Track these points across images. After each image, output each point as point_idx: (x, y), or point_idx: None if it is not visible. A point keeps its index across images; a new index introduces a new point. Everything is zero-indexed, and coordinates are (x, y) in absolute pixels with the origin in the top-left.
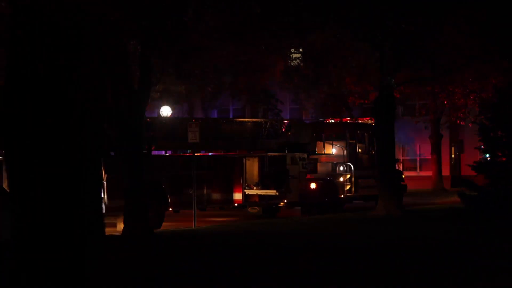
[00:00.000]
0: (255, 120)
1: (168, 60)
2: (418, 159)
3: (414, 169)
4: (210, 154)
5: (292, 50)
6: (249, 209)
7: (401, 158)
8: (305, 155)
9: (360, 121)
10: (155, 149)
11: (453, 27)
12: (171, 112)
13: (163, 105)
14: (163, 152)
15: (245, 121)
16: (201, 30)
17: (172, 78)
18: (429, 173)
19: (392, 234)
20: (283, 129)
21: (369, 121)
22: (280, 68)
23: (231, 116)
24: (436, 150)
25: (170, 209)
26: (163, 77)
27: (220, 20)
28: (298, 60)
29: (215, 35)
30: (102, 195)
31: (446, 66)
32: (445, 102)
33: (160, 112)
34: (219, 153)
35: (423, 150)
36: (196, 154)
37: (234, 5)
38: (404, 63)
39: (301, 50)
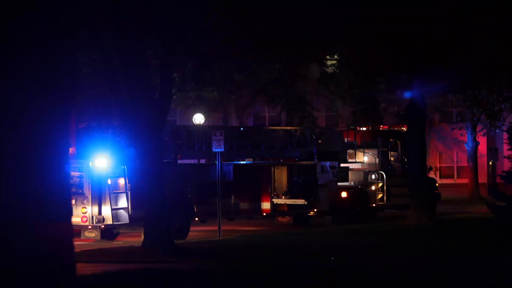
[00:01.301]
0: (284, 128)
1: (187, 67)
2: (455, 166)
3: (451, 176)
4: (238, 162)
5: (328, 57)
6: (279, 219)
7: (438, 165)
8: (336, 164)
9: (392, 129)
10: (183, 158)
11: (482, 34)
12: (203, 119)
13: (198, 112)
14: (195, 161)
15: (275, 129)
16: (224, 36)
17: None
18: (466, 181)
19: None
20: (314, 137)
21: (402, 129)
22: (316, 75)
23: (267, 124)
24: (473, 157)
25: (196, 219)
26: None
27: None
28: (333, 67)
29: (239, 41)
30: (126, 205)
31: (475, 74)
32: (480, 110)
33: (193, 120)
34: (247, 162)
35: (460, 157)
36: (222, 162)
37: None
38: (434, 71)
39: (336, 57)
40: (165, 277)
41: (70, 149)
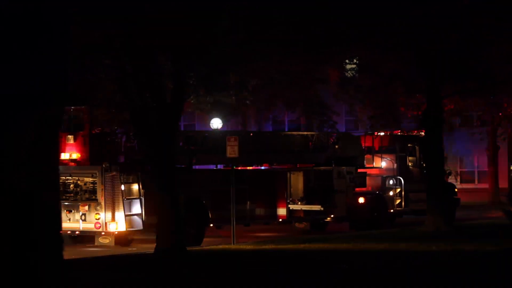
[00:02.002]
0: (301, 133)
1: (199, 73)
2: (475, 171)
3: (472, 181)
4: (253, 168)
5: (346, 61)
6: (296, 224)
7: (458, 170)
8: (353, 169)
9: (411, 133)
10: (197, 163)
11: (502, 38)
12: (221, 124)
13: (216, 117)
14: (212, 166)
15: (291, 134)
16: (236, 41)
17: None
18: (486, 186)
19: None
20: (331, 142)
21: (421, 133)
22: (335, 79)
23: (286, 129)
24: (493, 162)
25: (211, 225)
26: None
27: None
28: (353, 71)
29: (251, 46)
30: (140, 211)
31: (493, 78)
32: (500, 114)
33: (211, 125)
34: (263, 167)
35: (481, 162)
36: (239, 168)
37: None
38: (452, 75)
39: (355, 61)
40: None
41: (82, 154)
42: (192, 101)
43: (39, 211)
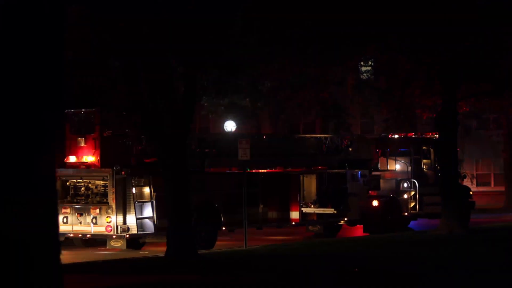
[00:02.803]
0: (314, 135)
1: (210, 76)
2: (492, 174)
3: (488, 184)
4: (265, 171)
5: (362, 63)
6: (310, 227)
7: (474, 172)
8: (367, 172)
9: (425, 136)
10: (209, 166)
11: None
12: (235, 127)
13: (231, 119)
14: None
15: (304, 137)
16: (249, 44)
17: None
18: (502, 188)
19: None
20: (344, 145)
21: (435, 136)
22: (350, 81)
23: (301, 131)
24: (509, 165)
25: (224, 228)
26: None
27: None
28: (368, 73)
29: (265, 49)
30: (152, 214)
31: (509, 80)
32: None
33: (224, 127)
34: (275, 170)
35: (497, 164)
36: (251, 171)
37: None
38: (466, 77)
39: (370, 63)
40: None
41: (93, 157)
42: (206, 104)
43: None
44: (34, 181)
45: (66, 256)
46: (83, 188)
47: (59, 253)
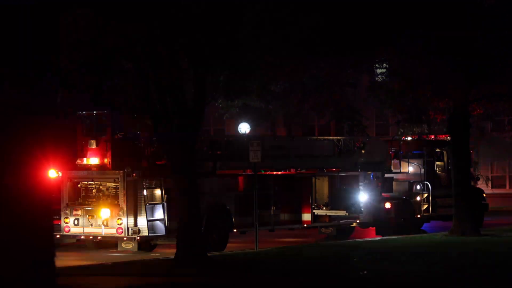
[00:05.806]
0: (327, 137)
1: (220, 78)
2: (507, 176)
3: (503, 186)
4: (277, 173)
5: (376, 65)
6: (322, 230)
7: (490, 175)
8: (380, 174)
9: (438, 138)
10: (221, 168)
11: None
12: (249, 129)
13: (245, 121)
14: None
15: (317, 139)
16: (260, 46)
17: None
18: None
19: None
20: (357, 147)
21: (448, 138)
22: (365, 83)
23: (316, 133)
24: None
25: (235, 230)
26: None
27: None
28: (383, 76)
29: (275, 51)
30: (163, 216)
31: None
32: None
33: (238, 129)
34: (287, 172)
35: None
36: (263, 173)
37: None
38: (479, 79)
39: (384, 65)
40: None
41: (104, 159)
42: (220, 105)
43: None
44: None
45: (77, 258)
46: (94, 190)
47: None
